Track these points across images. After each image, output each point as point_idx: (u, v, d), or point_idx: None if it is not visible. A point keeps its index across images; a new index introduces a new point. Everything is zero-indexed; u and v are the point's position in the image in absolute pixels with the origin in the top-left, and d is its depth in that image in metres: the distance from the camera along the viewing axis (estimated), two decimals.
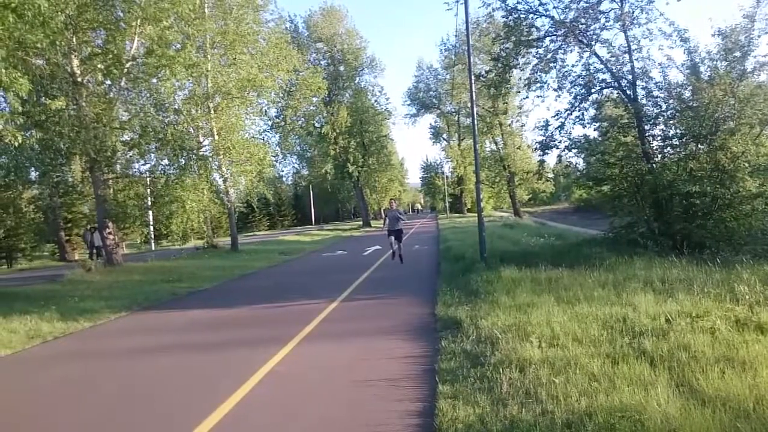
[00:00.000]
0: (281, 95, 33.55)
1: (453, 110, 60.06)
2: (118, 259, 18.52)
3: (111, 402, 5.20)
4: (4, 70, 9.70)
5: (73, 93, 16.77)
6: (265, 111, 28.95)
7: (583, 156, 15.15)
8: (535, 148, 15.93)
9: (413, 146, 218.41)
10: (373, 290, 11.19)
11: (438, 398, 4.45)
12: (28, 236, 28.43)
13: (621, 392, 3.97)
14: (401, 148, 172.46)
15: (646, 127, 13.16)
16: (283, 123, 36.09)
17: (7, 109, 11.37)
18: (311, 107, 41.86)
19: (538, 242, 16.87)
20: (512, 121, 48.99)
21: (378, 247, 23.46)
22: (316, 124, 46.52)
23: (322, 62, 47.78)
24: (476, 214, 14.38)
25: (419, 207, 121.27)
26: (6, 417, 4.97)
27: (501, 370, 4.81)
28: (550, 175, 25.06)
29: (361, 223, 54.23)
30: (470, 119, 15.37)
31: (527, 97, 16.35)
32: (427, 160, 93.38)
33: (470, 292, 9.01)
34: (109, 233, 18.47)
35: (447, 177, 74.53)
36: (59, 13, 12.13)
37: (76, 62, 17.20)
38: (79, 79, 17.23)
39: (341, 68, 48.84)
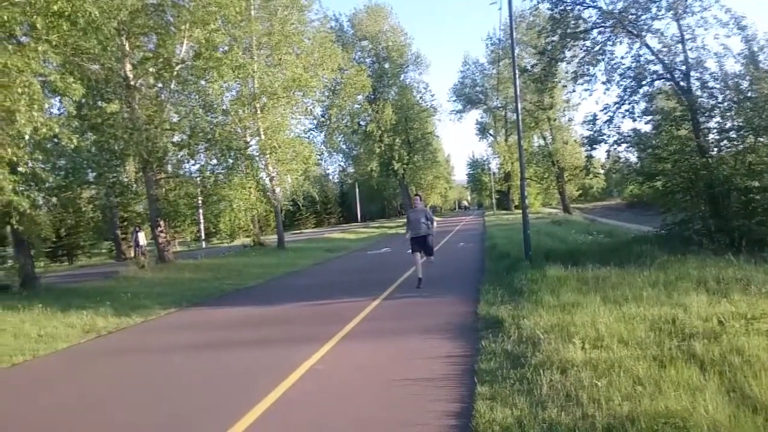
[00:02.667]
0: (326, 94, 33.89)
1: (499, 105, 59.12)
2: (169, 257, 19.13)
3: (157, 395, 5.36)
4: (59, 77, 10.18)
5: (126, 96, 17.42)
6: (311, 110, 29.26)
7: (633, 150, 14.64)
8: (582, 144, 15.48)
9: (459, 143, 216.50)
10: (416, 288, 11.14)
11: (476, 399, 4.37)
12: (87, 234, 29.84)
13: (667, 397, 3.80)
14: (447, 145, 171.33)
15: (701, 120, 12.59)
16: (328, 122, 36.42)
17: (64, 114, 11.90)
18: (356, 105, 42.17)
19: (587, 240, 16.43)
20: (560, 116, 47.88)
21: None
22: (361, 122, 46.77)
23: (366, 60, 47.97)
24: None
25: (466, 204, 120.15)
26: (63, 406, 5.19)
27: (542, 371, 4.68)
28: (599, 171, 24.34)
29: (406, 220, 54.14)
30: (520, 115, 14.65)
31: (574, 91, 15.89)
32: (473, 156, 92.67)
33: (514, 291, 8.85)
34: (161, 231, 19.10)
35: (494, 173, 73.62)
36: (111, 19, 12.59)
37: (129, 66, 17.84)
38: (132, 83, 17.88)
39: (386, 66, 48.90)
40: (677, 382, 4.09)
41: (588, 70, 14.04)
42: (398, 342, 6.70)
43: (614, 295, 7.35)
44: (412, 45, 58.26)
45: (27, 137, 10.12)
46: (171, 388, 5.55)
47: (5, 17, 9.66)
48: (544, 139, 49.06)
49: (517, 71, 14.03)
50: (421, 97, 51.69)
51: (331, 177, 66.38)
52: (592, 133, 13.99)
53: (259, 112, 23.69)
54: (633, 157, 15.31)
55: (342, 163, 56.62)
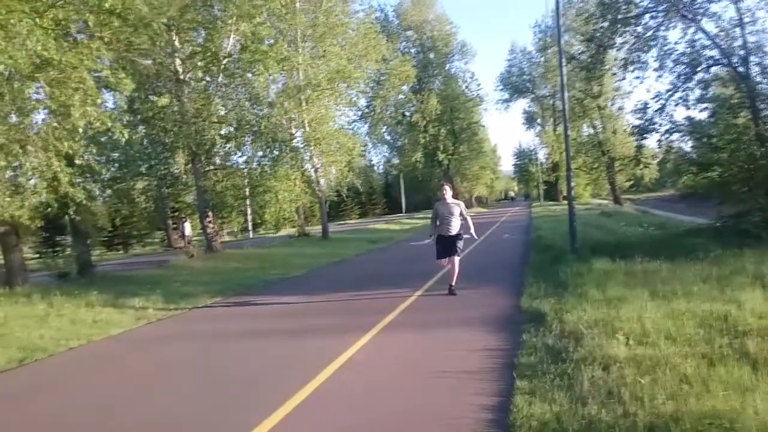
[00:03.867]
0: (370, 85, 33.94)
1: (547, 94, 57.83)
2: (217, 247, 19.63)
3: (200, 381, 5.52)
4: (111, 72, 10.55)
5: (176, 90, 17.91)
6: (355, 101, 29.37)
7: (687, 140, 14.07)
8: (632, 133, 14.96)
9: (506, 132, 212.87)
10: (458, 280, 11.05)
11: (514, 393, 4.31)
12: (141, 224, 31.02)
13: (715, 397, 3.65)
14: (493, 135, 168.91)
15: (761, 107, 11.97)
16: (372, 113, 36.48)
17: (117, 108, 12.34)
18: (400, 96, 42.07)
19: (637, 232, 15.94)
20: (610, 104, 46.37)
21: (467, 236, 23.17)
22: (406, 113, 46.65)
23: (411, 50, 47.77)
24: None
25: (512, 195, 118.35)
26: (116, 388, 5.41)
27: (583, 367, 4.58)
28: (650, 162, 23.52)
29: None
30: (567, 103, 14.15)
31: (624, 79, 15.35)
32: (520, 146, 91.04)
33: (558, 284, 8.68)
34: (209, 222, 19.61)
35: (541, 164, 72.19)
36: (161, 15, 12.93)
37: (178, 61, 18.30)
38: (182, 77, 18.34)
39: (431, 55, 48.56)
40: (726, 381, 3.92)
41: (639, 56, 13.57)
42: (438, 334, 6.68)
43: (663, 290, 7.11)
44: (458, 34, 57.43)
45: (81, 131, 10.54)
46: (213, 375, 5.71)
47: (60, 16, 10.05)
48: (594, 128, 47.69)
49: (563, 59, 13.64)
50: (466, 87, 51.22)
51: (375, 168, 66.60)
52: (642, 122, 13.52)
53: (303, 104, 23.91)
54: (687, 147, 14.72)
55: (386, 154, 56.71)
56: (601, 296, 7.12)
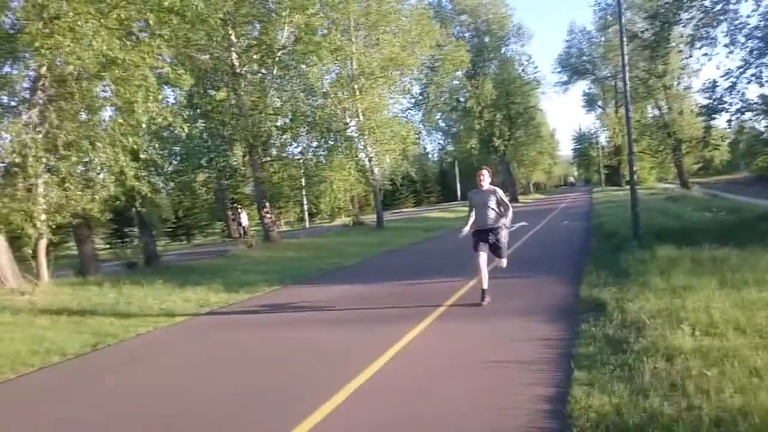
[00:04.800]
0: (424, 72, 33.65)
1: (609, 75, 55.64)
2: (274, 236, 20.09)
3: (261, 366, 5.67)
4: (171, 69, 10.93)
5: (232, 84, 18.35)
6: (408, 89, 29.21)
7: (761, 119, 13.22)
8: (699, 113, 14.19)
9: (564, 116, 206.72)
10: (515, 268, 10.76)
11: (572, 384, 4.20)
12: (202, 215, 32.15)
13: None
14: (551, 119, 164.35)
15: None
16: (426, 100, 36.20)
17: (177, 103, 12.79)
18: (455, 82, 41.53)
19: (705, 217, 15.17)
20: (676, 83, 44.12)
21: (523, 223, 22.76)
22: (460, 99, 45.97)
23: (465, 35, 46.90)
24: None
25: (572, 180, 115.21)
26: (181, 372, 5.64)
27: (645, 358, 4.40)
28: (719, 143, 22.27)
29: (509, 198, 52.93)
30: (630, 84, 13.43)
31: (691, 56, 14.54)
32: (580, 130, 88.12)
33: (619, 273, 8.40)
34: (267, 212, 20.08)
35: (602, 147, 69.78)
36: (217, 11, 13.26)
37: (234, 55, 18.72)
38: (238, 71, 18.76)
39: (486, 39, 47.56)
40: None
41: (707, 32, 12.81)
42: (493, 323, 6.59)
43: (733, 278, 6.75)
44: (514, 16, 55.91)
45: (145, 127, 10.99)
46: (272, 361, 5.85)
47: (123, 16, 10.46)
48: (659, 109, 45.56)
49: (625, 38, 13.07)
50: (523, 70, 49.86)
51: (430, 156, 66.16)
52: (711, 101, 12.79)
53: (357, 93, 24.00)
54: (761, 127, 13.85)
55: (441, 141, 56.14)
56: (666, 285, 6.84)
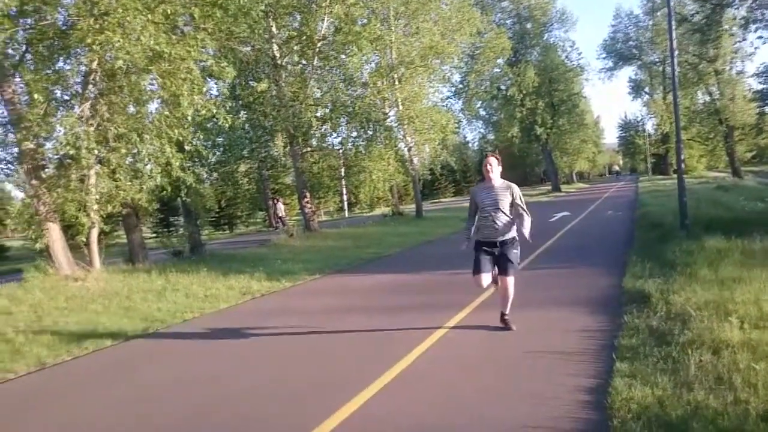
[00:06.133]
0: (464, 60, 33.28)
1: (656, 60, 53.86)
2: (314, 226, 20.34)
3: (300, 354, 5.79)
4: (214, 61, 11.17)
5: (273, 75, 18.59)
6: (448, 77, 28.96)
7: None
8: (753, 99, 13.60)
9: (609, 103, 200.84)
10: (556, 259, 10.74)
11: (614, 376, 4.16)
12: (244, 205, 32.82)
13: None
14: (596, 106, 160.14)
15: None
16: (466, 88, 35.82)
17: (220, 95, 13.06)
18: (495, 69, 40.89)
19: (758, 207, 14.56)
20: (728, 68, 42.28)
21: (566, 213, 22.38)
22: (501, 87, 45.27)
23: (507, 21, 46.13)
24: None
25: (617, 169, 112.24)
26: (226, 357, 5.83)
27: (690, 350, 4.32)
28: None
29: (549, 187, 52.04)
30: (679, 69, 12.91)
31: (744, 40, 13.95)
32: (625, 117, 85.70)
33: (665, 264, 8.17)
34: (307, 202, 20.34)
35: (649, 135, 67.71)
36: (259, 3, 13.45)
37: (275, 47, 18.95)
38: (279, 62, 18.99)
39: (528, 25, 46.62)
40: None
41: (763, 14, 12.24)
42: (534, 313, 6.53)
43: None
44: (557, 1, 54.70)
45: (190, 118, 11.28)
46: (311, 350, 5.95)
47: (169, 11, 10.72)
48: (710, 94, 43.84)
49: (674, 21, 12.63)
50: (566, 57, 48.72)
51: (470, 144, 65.53)
52: (766, 86, 12.25)
53: (396, 82, 23.96)
54: None
55: (481, 130, 55.52)
56: (713, 276, 6.65)
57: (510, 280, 5.64)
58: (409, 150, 25.25)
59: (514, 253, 5.61)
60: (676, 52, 12.82)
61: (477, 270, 5.62)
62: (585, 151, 67.26)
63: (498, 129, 51.38)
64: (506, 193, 5.52)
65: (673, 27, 12.48)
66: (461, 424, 3.71)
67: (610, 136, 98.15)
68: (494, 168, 5.57)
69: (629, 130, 78.16)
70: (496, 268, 5.71)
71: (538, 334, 5.66)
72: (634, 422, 3.34)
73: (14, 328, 7.56)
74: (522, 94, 45.10)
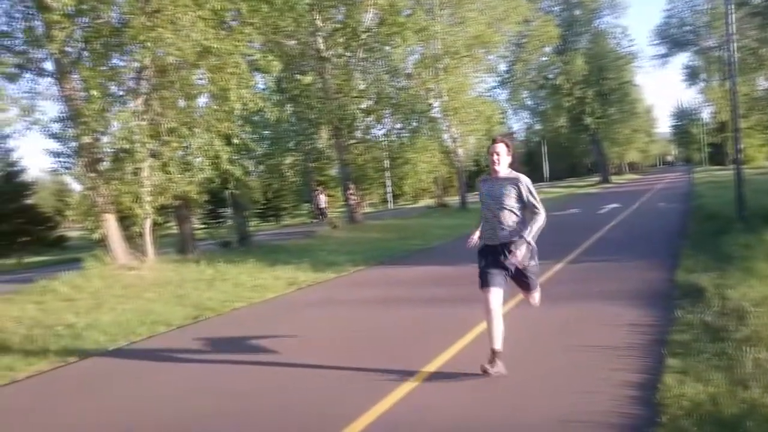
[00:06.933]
0: (510, 49, 32.76)
1: (713, 45, 51.49)
2: (359, 218, 20.49)
3: (344, 344, 5.87)
4: (261, 55, 11.37)
5: (318, 68, 18.76)
6: (494, 67, 28.58)
7: None
8: None
9: (662, 92, 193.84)
10: (606, 251, 10.50)
11: (664, 372, 4.05)
12: (290, 197, 33.31)
13: None
14: (648, 95, 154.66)
15: None
16: (512, 78, 35.25)
17: (266, 89, 13.29)
18: (543, 58, 40.09)
19: None
20: None
21: (616, 205, 21.80)
22: (549, 76, 44.33)
23: (554, 9, 45.01)
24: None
25: (671, 159, 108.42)
26: (275, 345, 5.97)
27: (746, 347, 4.16)
28: None
29: (598, 179, 50.75)
30: (738, 54, 12.33)
31: None
32: (680, 105, 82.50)
33: (720, 257, 7.88)
34: (351, 194, 20.50)
35: (705, 124, 65.06)
36: None
37: (320, 39, 19.11)
38: (324, 55, 19.15)
39: (576, 12, 45.41)
40: None
41: None
42: (580, 306, 6.42)
43: None
44: None
45: (237, 112, 11.52)
46: (359, 338, 6.03)
47: (217, 6, 10.95)
48: None
49: (732, 5, 12.06)
50: (617, 44, 47.25)
51: (516, 135, 64.52)
52: None
53: (441, 73, 23.78)
54: None
55: (528, 120, 54.60)
56: None
57: (536, 296, 4.95)
58: (453, 141, 25.08)
59: (532, 267, 4.59)
60: (735, 37, 12.23)
61: (485, 284, 4.48)
62: (636, 141, 65.26)
63: (545, 119, 50.40)
64: (513, 186, 4.48)
65: (732, 10, 11.92)
66: (502, 415, 3.69)
67: (664, 126, 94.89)
68: (501, 155, 4.52)
69: (684, 118, 75.35)
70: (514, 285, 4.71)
71: (584, 327, 5.57)
72: (685, 419, 3.25)
73: (76, 314, 7.94)
74: (570, 83, 44.03)
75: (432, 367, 4.71)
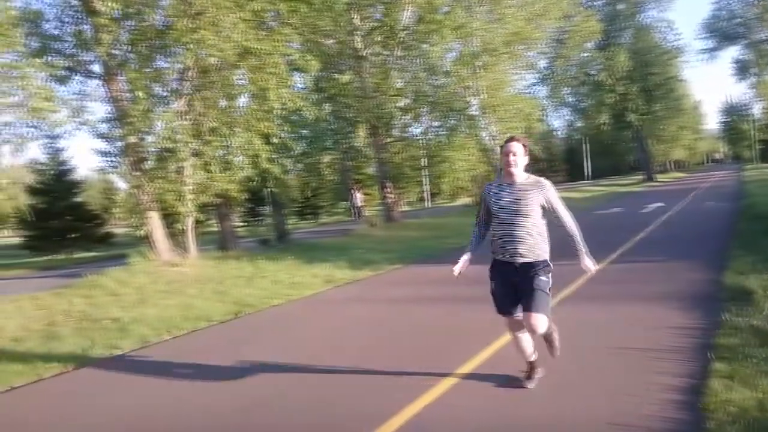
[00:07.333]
0: (551, 45, 32.21)
1: (765, 38, 49.50)
2: (396, 216, 20.51)
3: (382, 342, 5.89)
4: (299, 55, 11.51)
5: (356, 67, 18.86)
6: (533, 64, 28.14)
7: None
8: None
9: (711, 87, 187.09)
10: (649, 251, 10.23)
11: (709, 376, 3.93)
12: (328, 195, 33.67)
13: None
14: (696, 90, 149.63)
15: None
16: (552, 74, 34.65)
17: (305, 88, 13.45)
18: (584, 54, 39.23)
19: None
20: None
21: (660, 204, 21.19)
22: (591, 72, 43.36)
23: (596, 3, 44.00)
24: None
25: (719, 157, 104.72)
26: (312, 341, 6.04)
27: None
28: None
29: (642, 177, 49.41)
30: None
31: None
32: (729, 101, 79.50)
33: None
34: (389, 192, 20.53)
35: (756, 120, 62.59)
36: None
37: (358, 38, 19.20)
38: (361, 54, 19.23)
39: (619, 6, 44.26)
40: None
41: None
42: (622, 308, 6.27)
43: None
44: None
45: (276, 112, 11.70)
46: (395, 337, 6.04)
47: (258, 7, 11.13)
48: None
49: None
50: (662, 38, 45.83)
51: (556, 133, 63.49)
52: None
53: (479, 70, 23.56)
54: None
55: (569, 118, 53.56)
56: None
57: (541, 321, 3.80)
58: (492, 139, 24.83)
59: (543, 281, 3.85)
60: None
61: (502, 310, 4.08)
62: (682, 139, 63.23)
63: (586, 116, 49.36)
64: (535, 193, 3.86)
65: None
66: (542, 416, 3.65)
67: (712, 122, 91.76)
68: (519, 158, 3.84)
69: (733, 114, 72.64)
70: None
71: (624, 329, 5.44)
72: (732, 425, 3.15)
73: (121, 308, 8.21)
74: (613, 79, 42.96)
75: (469, 366, 4.69)
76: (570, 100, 46.47)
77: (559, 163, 67.67)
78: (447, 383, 4.34)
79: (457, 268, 4.25)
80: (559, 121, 55.62)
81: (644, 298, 6.64)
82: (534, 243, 3.87)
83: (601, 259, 9.45)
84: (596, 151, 60.96)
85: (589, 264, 4.04)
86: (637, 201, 24.99)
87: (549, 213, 3.96)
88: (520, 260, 3.86)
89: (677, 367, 4.25)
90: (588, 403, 3.77)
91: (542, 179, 3.98)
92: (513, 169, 3.85)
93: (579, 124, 53.58)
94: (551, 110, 42.58)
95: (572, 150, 68.79)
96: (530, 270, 3.85)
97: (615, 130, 47.78)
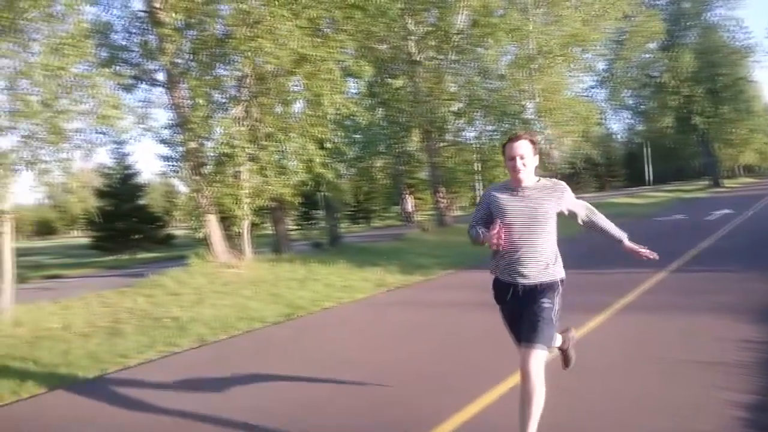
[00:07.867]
0: (610, 47, 31.31)
1: None
2: (448, 221, 20.38)
3: (433, 347, 5.85)
4: (353, 61, 11.66)
5: (410, 71, 18.90)
6: (592, 66, 27.41)
7: None
8: None
9: None
10: (714, 261, 9.77)
11: None
12: (380, 200, 33.85)
13: None
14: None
15: None
16: (612, 76, 33.65)
17: (358, 93, 13.59)
18: (646, 55, 37.92)
19: None
20: None
21: (728, 210, 20.19)
22: (653, 73, 41.83)
23: (659, 2, 42.45)
24: None
25: None
26: (362, 343, 6.08)
27: None
28: None
29: (708, 182, 47.21)
30: None
31: None
32: None
33: None
34: (441, 197, 20.44)
35: None
36: (396, 1, 13.77)
37: (412, 43, 19.24)
38: (415, 58, 19.26)
39: (684, 5, 42.53)
40: None
41: None
42: (685, 319, 5.99)
43: None
44: None
45: (330, 117, 11.87)
46: (447, 343, 5.99)
47: (313, 15, 11.35)
48: None
49: None
50: (731, 37, 43.69)
51: (616, 137, 61.50)
52: None
53: (535, 73, 23.14)
54: None
55: (629, 121, 51.79)
56: None
57: (535, 359, 3.13)
58: (550, 144, 24.31)
59: (548, 308, 3.23)
60: None
61: (519, 337, 3.39)
62: (754, 142, 59.96)
63: (648, 119, 47.64)
64: (551, 200, 3.23)
65: None
66: (600, 427, 3.54)
67: None
68: (528, 159, 3.16)
69: None
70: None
71: (686, 341, 5.20)
72: None
73: (180, 308, 8.51)
74: (677, 81, 41.28)
75: (515, 379, 4.58)
76: (630, 102, 44.93)
77: (618, 167, 65.58)
78: (499, 390, 4.26)
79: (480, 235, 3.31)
80: (618, 125, 53.85)
81: (708, 308, 6.34)
82: (547, 262, 3.26)
83: (662, 267, 9.10)
84: (658, 155, 58.66)
85: (640, 248, 3.53)
86: (702, 207, 23.89)
87: (580, 215, 3.46)
88: (526, 281, 3.26)
89: (745, 383, 4.03)
90: (650, 416, 3.62)
91: (559, 182, 3.32)
92: (521, 174, 3.16)
93: (640, 127, 51.74)
94: (610, 113, 41.34)
95: (632, 154, 66.45)
96: (536, 293, 3.25)
97: (679, 133, 45.91)
